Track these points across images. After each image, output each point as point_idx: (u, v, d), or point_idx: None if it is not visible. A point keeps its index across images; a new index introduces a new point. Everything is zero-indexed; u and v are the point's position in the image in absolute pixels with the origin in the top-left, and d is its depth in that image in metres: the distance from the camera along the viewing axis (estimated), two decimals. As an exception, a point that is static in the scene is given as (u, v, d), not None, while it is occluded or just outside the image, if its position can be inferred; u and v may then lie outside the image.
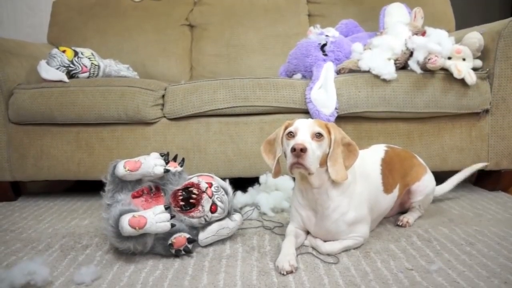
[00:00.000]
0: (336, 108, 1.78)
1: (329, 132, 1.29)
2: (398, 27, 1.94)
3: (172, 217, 1.30)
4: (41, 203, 2.01)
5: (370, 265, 1.24)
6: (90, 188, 1.98)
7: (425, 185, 1.58)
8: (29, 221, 1.75)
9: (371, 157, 1.50)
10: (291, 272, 1.20)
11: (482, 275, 1.16)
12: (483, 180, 2.03)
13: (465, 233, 1.46)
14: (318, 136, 1.25)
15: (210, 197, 1.38)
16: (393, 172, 1.50)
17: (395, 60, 1.84)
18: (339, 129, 1.32)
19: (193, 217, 1.36)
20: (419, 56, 1.80)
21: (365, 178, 1.39)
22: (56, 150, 1.97)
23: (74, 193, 2.18)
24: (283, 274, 1.19)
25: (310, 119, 1.31)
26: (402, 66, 1.88)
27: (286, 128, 1.31)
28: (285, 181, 1.79)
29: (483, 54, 1.86)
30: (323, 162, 1.28)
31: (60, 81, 2.00)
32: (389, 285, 1.12)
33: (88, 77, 2.14)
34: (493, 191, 1.96)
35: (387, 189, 1.47)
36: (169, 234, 1.31)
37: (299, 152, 1.18)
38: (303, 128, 1.25)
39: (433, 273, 1.18)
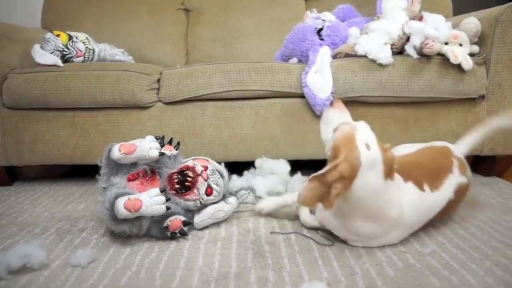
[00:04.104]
0: (332, 93, 1.78)
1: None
2: (395, 12, 1.93)
3: (168, 200, 1.30)
4: (37, 187, 2.01)
5: (364, 248, 1.24)
6: (86, 172, 1.98)
7: None
8: (25, 205, 1.75)
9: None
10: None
11: (474, 257, 1.17)
12: (478, 165, 2.04)
13: (459, 217, 1.47)
14: None
15: (206, 180, 1.38)
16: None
17: (392, 45, 1.83)
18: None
19: (188, 200, 1.36)
20: (415, 41, 1.79)
21: None
22: (51, 135, 1.96)
23: (70, 177, 2.18)
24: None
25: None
26: (398, 51, 1.87)
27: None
28: (281, 165, 1.80)
29: (480, 39, 1.86)
30: None
31: (55, 65, 1.97)
32: (383, 267, 1.13)
33: (83, 61, 2.12)
34: (488, 177, 1.97)
35: None
36: (165, 217, 1.31)
37: None
38: None
39: (426, 255, 1.19)
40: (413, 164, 1.34)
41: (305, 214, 1.42)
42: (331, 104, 1.32)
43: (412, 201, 1.23)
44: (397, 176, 1.21)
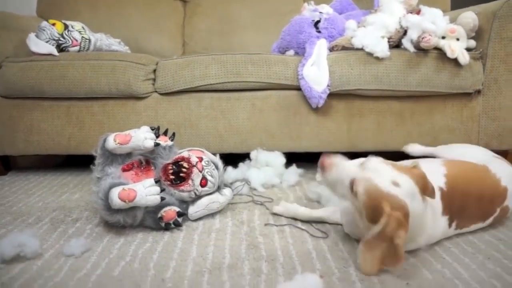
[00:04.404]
0: (328, 85, 1.78)
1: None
2: (392, 5, 1.92)
3: (162, 190, 1.30)
4: (31, 177, 2.00)
5: (357, 240, 1.25)
6: (81, 162, 1.97)
7: None
8: (19, 195, 1.75)
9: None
10: None
11: (467, 251, 1.18)
12: (473, 160, 2.04)
13: (453, 210, 1.48)
14: None
15: (200, 171, 1.38)
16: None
17: (389, 38, 1.83)
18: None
19: (183, 191, 1.36)
20: (413, 34, 1.79)
21: None
22: (46, 125, 1.95)
23: (65, 167, 2.18)
24: None
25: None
26: (395, 45, 1.86)
27: None
28: (276, 157, 1.80)
29: (477, 34, 1.85)
30: None
31: (50, 54, 1.96)
32: (376, 259, 1.14)
33: (79, 50, 2.11)
34: (482, 171, 1.98)
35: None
36: (159, 207, 1.31)
37: None
38: None
39: (419, 248, 1.19)
40: (462, 192, 1.23)
41: (299, 208, 1.42)
42: (321, 166, 1.15)
43: (436, 234, 1.20)
44: (438, 202, 1.18)
